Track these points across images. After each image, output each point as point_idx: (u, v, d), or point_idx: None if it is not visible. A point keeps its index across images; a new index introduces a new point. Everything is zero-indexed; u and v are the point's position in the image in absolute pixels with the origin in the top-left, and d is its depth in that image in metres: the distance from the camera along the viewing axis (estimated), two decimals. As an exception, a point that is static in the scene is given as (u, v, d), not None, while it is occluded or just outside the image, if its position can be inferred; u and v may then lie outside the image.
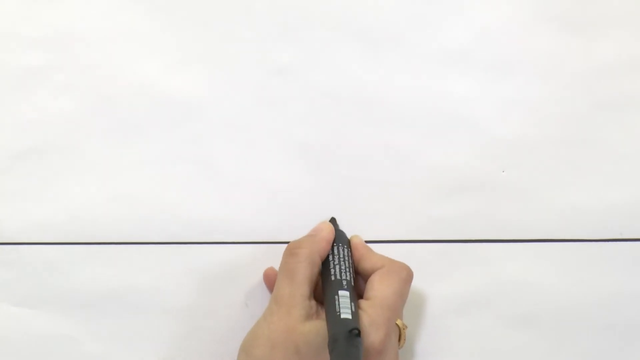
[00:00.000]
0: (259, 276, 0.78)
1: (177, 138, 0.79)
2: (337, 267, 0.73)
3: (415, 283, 0.77)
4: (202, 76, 0.80)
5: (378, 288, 0.72)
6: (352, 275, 0.73)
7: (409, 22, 0.79)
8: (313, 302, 0.72)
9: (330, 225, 0.77)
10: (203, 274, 0.79)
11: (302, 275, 0.72)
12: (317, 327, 0.69)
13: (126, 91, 0.79)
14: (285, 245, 0.76)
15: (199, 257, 0.79)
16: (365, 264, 0.75)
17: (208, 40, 0.79)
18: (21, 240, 0.79)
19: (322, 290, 0.73)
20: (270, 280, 0.77)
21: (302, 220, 0.79)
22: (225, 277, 0.78)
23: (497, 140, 0.79)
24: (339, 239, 0.76)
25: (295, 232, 0.79)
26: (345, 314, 0.69)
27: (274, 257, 0.78)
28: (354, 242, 0.77)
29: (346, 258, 0.74)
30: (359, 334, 0.66)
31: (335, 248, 0.75)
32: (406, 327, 0.74)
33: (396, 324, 0.72)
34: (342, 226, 0.79)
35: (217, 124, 0.79)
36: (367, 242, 0.78)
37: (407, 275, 0.74)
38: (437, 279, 0.79)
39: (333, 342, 0.66)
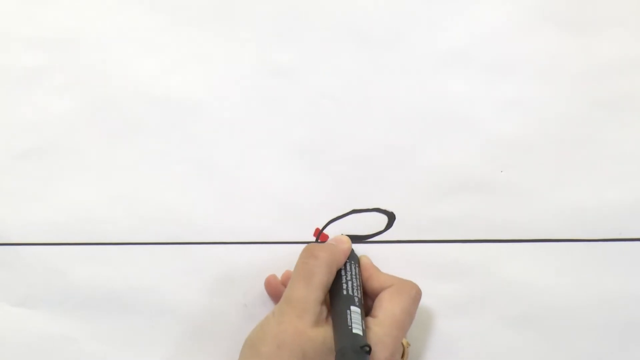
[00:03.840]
0: (258, 276, 0.78)
1: (176, 138, 0.79)
2: (350, 283, 0.73)
3: (415, 283, 0.77)
4: (202, 76, 0.80)
5: (387, 306, 0.73)
6: (362, 294, 0.73)
7: (408, 22, 0.79)
8: (324, 307, 0.72)
9: (349, 240, 0.77)
10: (203, 274, 0.79)
11: (319, 280, 0.72)
12: (325, 335, 0.70)
13: (126, 91, 0.79)
14: (284, 245, 0.76)
15: (198, 257, 0.79)
16: (374, 283, 0.75)
17: (208, 40, 0.80)
18: (21, 241, 0.79)
19: (330, 303, 0.73)
20: (272, 287, 0.77)
21: (302, 220, 0.79)
22: (224, 277, 0.78)
23: (496, 140, 0.79)
24: (351, 257, 0.76)
25: (295, 232, 0.79)
26: (357, 329, 0.69)
27: (273, 258, 0.78)
28: (363, 262, 0.77)
29: (357, 276, 0.75)
30: (369, 352, 0.66)
31: (348, 264, 0.75)
32: (409, 345, 0.74)
33: (401, 342, 0.73)
34: (342, 226, 0.79)
35: (216, 124, 0.79)
36: (365, 243, 0.78)
37: (416, 294, 0.74)
38: (437, 279, 0.79)
39: (341, 356, 0.66)
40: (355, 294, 0.73)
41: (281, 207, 0.79)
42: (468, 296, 0.79)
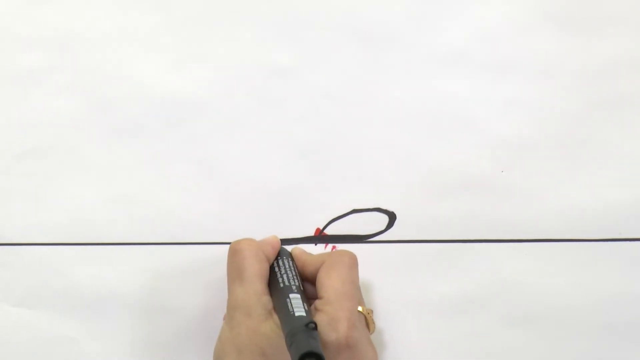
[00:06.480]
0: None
1: (176, 138, 0.79)
2: (285, 275, 0.73)
3: (415, 283, 0.77)
4: (202, 76, 0.80)
5: (326, 283, 0.72)
6: (299, 282, 0.73)
7: (408, 22, 0.79)
8: (269, 298, 0.71)
9: (277, 236, 0.76)
10: (202, 274, 0.79)
11: (251, 271, 0.72)
12: (277, 327, 0.69)
13: (126, 91, 0.79)
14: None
15: (198, 257, 0.79)
16: (310, 268, 0.74)
17: (208, 40, 0.79)
18: (21, 241, 0.79)
19: (273, 300, 0.72)
20: None
21: (301, 220, 0.79)
22: (224, 278, 0.78)
23: (496, 140, 0.79)
24: (282, 253, 0.76)
25: (296, 232, 0.79)
26: (299, 312, 0.68)
27: (273, 257, 0.78)
28: (294, 253, 0.76)
29: (291, 268, 0.74)
30: (315, 328, 0.66)
31: (280, 261, 0.74)
32: (371, 311, 0.73)
33: (359, 312, 0.72)
34: (342, 226, 0.79)
35: (217, 124, 0.79)
36: (365, 242, 0.78)
37: (349, 260, 0.73)
38: (437, 279, 0.79)
39: (291, 337, 0.66)
40: (292, 283, 0.72)
41: (281, 207, 0.79)
42: (468, 296, 0.79)
